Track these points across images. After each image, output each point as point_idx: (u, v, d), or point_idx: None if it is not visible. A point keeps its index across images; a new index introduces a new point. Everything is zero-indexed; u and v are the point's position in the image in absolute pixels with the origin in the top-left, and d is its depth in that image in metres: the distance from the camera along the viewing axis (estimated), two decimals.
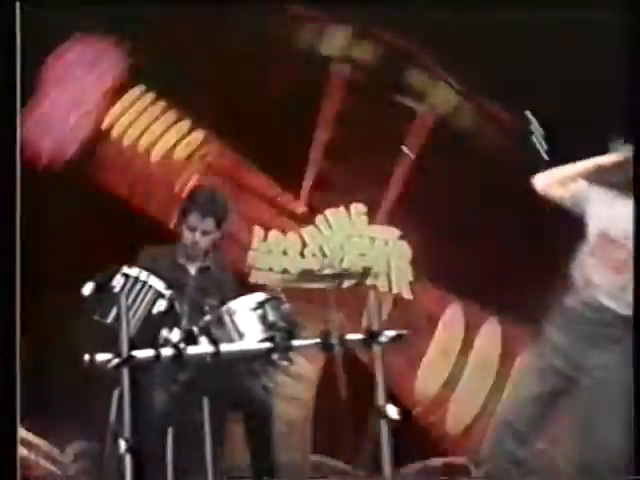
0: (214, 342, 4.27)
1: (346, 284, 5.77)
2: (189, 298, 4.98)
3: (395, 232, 6.35)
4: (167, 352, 4.15)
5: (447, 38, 5.22)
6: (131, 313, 4.25)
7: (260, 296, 4.42)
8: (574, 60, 4.87)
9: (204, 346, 4.29)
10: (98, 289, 4.33)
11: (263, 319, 4.35)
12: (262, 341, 4.32)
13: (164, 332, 4.31)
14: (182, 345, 4.19)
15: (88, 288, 4.34)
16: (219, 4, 4.88)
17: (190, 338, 4.31)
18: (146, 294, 4.39)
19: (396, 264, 6.37)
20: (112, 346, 4.00)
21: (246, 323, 4.36)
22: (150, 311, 4.38)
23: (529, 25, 4.93)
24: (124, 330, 4.01)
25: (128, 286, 4.37)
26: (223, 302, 4.50)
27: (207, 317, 4.40)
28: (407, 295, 6.28)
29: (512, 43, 5.09)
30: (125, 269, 4.40)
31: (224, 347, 4.27)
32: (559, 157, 4.41)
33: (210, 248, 5.16)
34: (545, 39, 4.90)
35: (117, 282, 4.37)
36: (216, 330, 4.35)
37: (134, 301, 4.36)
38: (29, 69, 4.15)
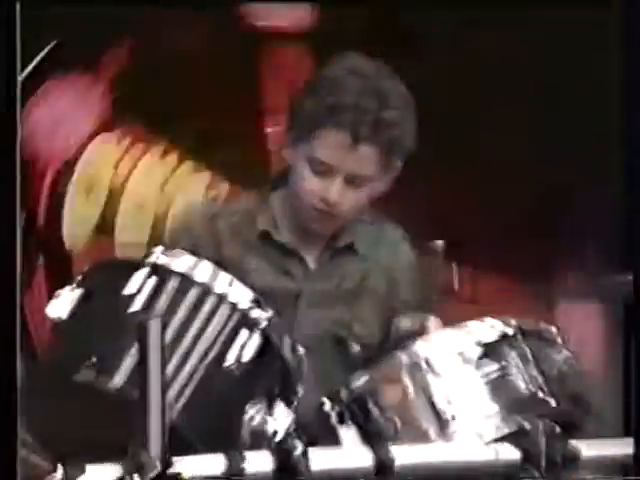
0: (379, 444, 1.64)
1: None
2: (307, 321, 2.33)
3: None
4: (261, 463, 1.59)
5: None
6: (171, 368, 1.75)
7: (493, 333, 1.85)
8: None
9: (351, 449, 1.71)
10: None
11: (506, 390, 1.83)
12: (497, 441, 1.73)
13: (253, 412, 1.78)
14: (299, 449, 1.63)
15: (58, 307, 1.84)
16: None
17: (315, 428, 1.83)
18: (209, 320, 1.83)
19: None
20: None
21: (461, 396, 1.81)
22: (220, 359, 1.80)
23: None
24: (156, 414, 1.50)
25: (166, 299, 1.81)
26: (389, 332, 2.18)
27: (361, 379, 1.81)
28: None
29: None
30: (159, 256, 1.84)
31: (402, 454, 1.64)
32: None
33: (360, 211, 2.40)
34: None
35: (136, 287, 1.82)
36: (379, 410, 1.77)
37: (177, 339, 1.80)
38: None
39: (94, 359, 1.73)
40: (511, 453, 1.74)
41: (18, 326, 3.02)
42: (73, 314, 1.83)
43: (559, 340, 1.91)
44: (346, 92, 2.21)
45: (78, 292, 1.83)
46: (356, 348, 2.22)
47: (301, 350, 1.87)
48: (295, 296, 2.30)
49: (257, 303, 1.83)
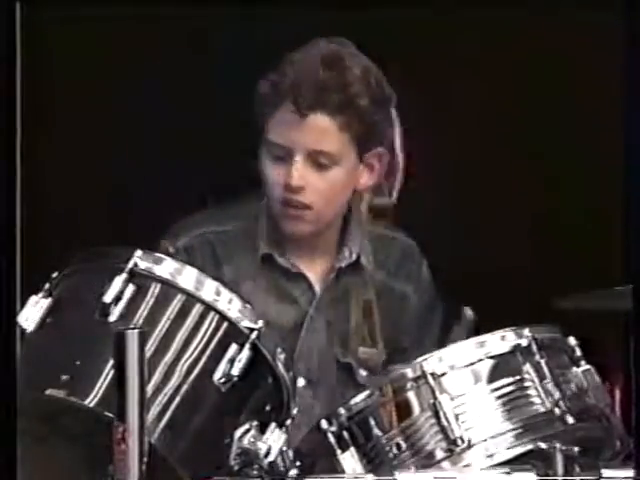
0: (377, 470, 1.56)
1: None
2: (313, 345, 2.17)
3: None
4: None
5: None
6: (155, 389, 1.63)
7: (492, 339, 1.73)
8: None
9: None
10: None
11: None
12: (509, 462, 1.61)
13: (241, 430, 1.67)
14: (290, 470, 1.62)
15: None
16: None
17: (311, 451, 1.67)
18: (199, 325, 1.70)
19: None
20: None
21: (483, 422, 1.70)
22: (210, 375, 1.67)
23: None
24: (135, 443, 1.36)
25: (148, 303, 1.67)
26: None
27: (362, 395, 1.65)
28: None
29: None
30: (138, 259, 1.69)
31: None
32: None
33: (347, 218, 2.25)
34: None
35: (113, 294, 1.67)
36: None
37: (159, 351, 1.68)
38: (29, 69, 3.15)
39: (64, 377, 1.58)
40: (526, 477, 1.60)
41: (18, 326, 3.09)
42: (41, 325, 1.67)
43: (577, 352, 1.76)
44: (289, 66, 2.10)
45: (46, 301, 1.68)
46: (362, 374, 2.08)
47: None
48: (300, 322, 2.16)
49: (247, 312, 1.69)
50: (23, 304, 2.42)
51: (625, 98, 2.89)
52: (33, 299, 1.70)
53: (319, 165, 2.08)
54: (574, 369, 1.74)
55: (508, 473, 1.60)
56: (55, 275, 1.72)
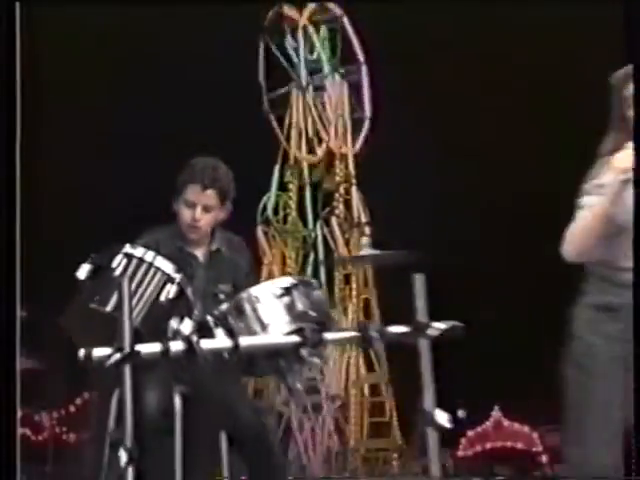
0: (232, 334, 3.61)
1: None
2: (200, 286, 4.33)
3: None
4: (177, 346, 3.51)
5: None
6: (135, 300, 3.61)
7: (286, 281, 3.75)
8: None
9: (221, 339, 3.64)
10: (96, 272, 3.67)
11: (290, 308, 3.73)
12: (289, 334, 3.68)
13: (173, 323, 3.66)
14: (194, 338, 3.54)
15: (84, 271, 3.68)
16: None
17: (204, 330, 3.68)
18: (152, 278, 3.75)
19: None
20: (112, 339, 3.38)
21: (270, 313, 3.72)
22: (157, 298, 3.72)
23: None
24: (126, 320, 3.38)
25: (131, 269, 3.73)
26: (237, 289, 3.98)
27: (224, 306, 3.75)
28: None
29: None
30: (127, 248, 3.74)
31: (244, 340, 3.62)
32: None
33: (216, 228, 4.54)
34: None
35: (118, 264, 3.72)
36: (235, 321, 3.69)
37: (138, 286, 3.71)
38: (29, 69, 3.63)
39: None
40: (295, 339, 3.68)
41: (18, 326, 3.97)
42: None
43: (315, 284, 3.86)
44: (195, 168, 4.43)
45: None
46: (222, 296, 4.13)
47: (197, 297, 3.86)
48: (192, 272, 4.30)
49: (176, 270, 3.79)
50: (23, 304, 3.95)
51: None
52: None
53: (206, 210, 4.39)
54: (314, 292, 3.85)
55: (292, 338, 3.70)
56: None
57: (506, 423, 32.14)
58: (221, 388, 4.22)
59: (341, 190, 28.47)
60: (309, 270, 27.40)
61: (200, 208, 4.38)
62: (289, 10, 28.48)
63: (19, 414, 3.98)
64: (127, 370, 3.39)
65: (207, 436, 4.25)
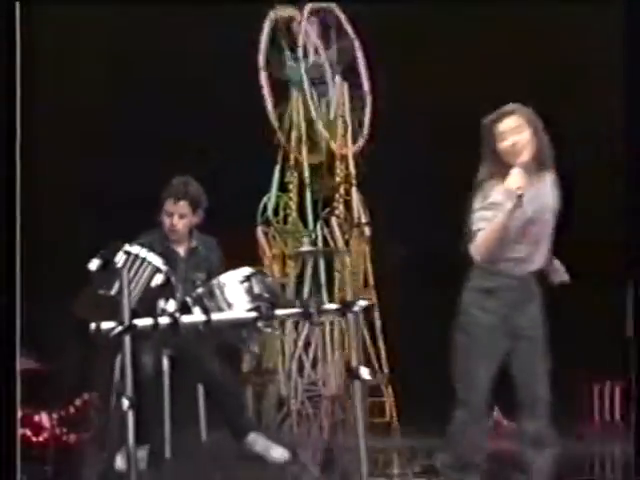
0: (206, 311, 4.74)
1: None
2: (182, 275, 5.59)
3: None
4: (164, 321, 4.63)
5: None
6: (132, 286, 4.68)
7: (246, 270, 4.91)
8: None
9: (197, 315, 4.76)
10: (103, 265, 4.77)
11: (250, 291, 4.84)
12: (249, 310, 4.80)
13: (161, 303, 4.78)
14: (177, 314, 4.67)
15: (94, 264, 4.81)
16: None
17: (184, 308, 4.79)
18: (145, 269, 4.85)
19: None
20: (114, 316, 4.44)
21: (234, 295, 4.85)
22: (149, 284, 4.84)
23: None
24: (126, 301, 4.48)
25: (129, 262, 4.83)
26: (211, 276, 5.06)
27: (199, 290, 4.88)
28: None
29: None
30: (127, 247, 4.88)
31: (215, 316, 4.74)
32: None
33: (191, 230, 5.84)
34: None
35: (120, 258, 4.83)
36: (207, 301, 4.81)
37: (135, 275, 4.81)
38: (29, 69, 3.92)
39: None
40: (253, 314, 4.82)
41: (18, 326, 4.03)
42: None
43: (268, 273, 5.05)
44: (171, 186, 5.71)
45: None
46: (199, 283, 5.33)
47: (179, 283, 5.09)
48: (175, 264, 5.56)
49: (164, 263, 4.96)
50: (23, 304, 4.21)
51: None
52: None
53: (181, 217, 5.69)
54: (266, 278, 5.02)
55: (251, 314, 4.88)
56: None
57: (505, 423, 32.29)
58: (198, 352, 5.53)
59: (341, 191, 29.04)
60: (309, 270, 27.70)
61: (177, 216, 5.76)
62: (289, 10, 28.78)
63: (19, 414, 4.47)
64: (127, 339, 4.46)
65: (188, 387, 5.63)
